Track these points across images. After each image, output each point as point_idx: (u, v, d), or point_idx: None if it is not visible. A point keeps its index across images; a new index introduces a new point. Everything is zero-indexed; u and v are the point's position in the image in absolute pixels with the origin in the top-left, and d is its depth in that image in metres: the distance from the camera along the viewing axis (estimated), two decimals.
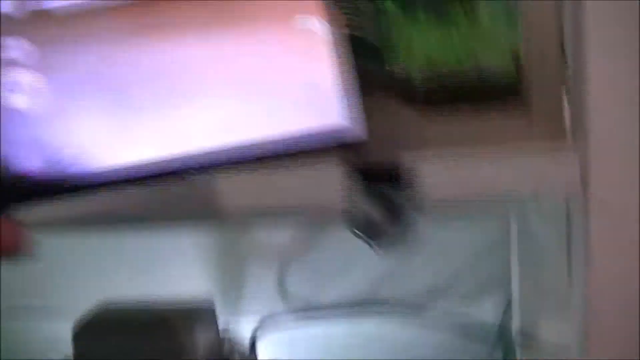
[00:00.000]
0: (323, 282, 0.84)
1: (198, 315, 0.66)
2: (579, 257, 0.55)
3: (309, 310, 0.84)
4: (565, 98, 0.54)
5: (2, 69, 0.34)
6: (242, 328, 0.82)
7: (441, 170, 0.49)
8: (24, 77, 0.34)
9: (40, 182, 0.34)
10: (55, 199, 0.35)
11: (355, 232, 0.36)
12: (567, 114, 0.54)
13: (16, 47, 0.34)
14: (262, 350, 0.81)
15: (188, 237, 0.85)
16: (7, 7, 0.34)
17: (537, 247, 0.71)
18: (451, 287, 0.83)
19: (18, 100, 0.34)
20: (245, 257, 0.86)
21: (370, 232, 0.36)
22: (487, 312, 0.81)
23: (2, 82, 0.34)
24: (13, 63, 0.34)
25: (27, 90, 0.34)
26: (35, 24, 0.35)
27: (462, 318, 0.80)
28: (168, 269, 0.85)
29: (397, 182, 0.35)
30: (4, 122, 0.34)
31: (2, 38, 0.34)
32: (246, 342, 0.79)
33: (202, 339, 0.64)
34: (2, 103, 0.34)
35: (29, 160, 0.34)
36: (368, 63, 0.38)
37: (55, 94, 0.35)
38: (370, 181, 0.35)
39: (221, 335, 0.70)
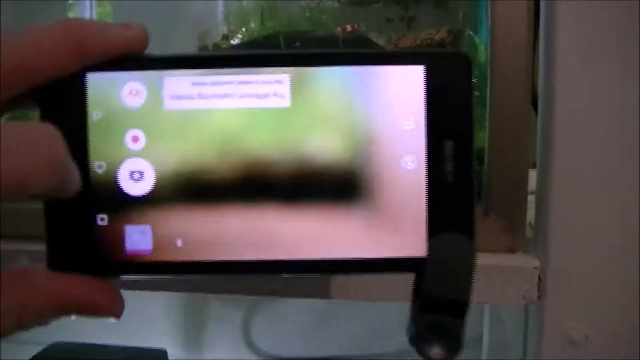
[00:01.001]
0: (289, 335, 0.84)
1: None
2: None
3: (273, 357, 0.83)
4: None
5: None
6: None
7: None
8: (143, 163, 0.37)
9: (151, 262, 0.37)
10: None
11: (416, 350, 0.37)
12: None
13: None
14: None
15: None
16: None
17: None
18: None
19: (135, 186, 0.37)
20: (210, 306, 0.86)
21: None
22: None
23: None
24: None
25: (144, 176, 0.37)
26: None
27: None
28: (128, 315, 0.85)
29: (460, 313, 0.36)
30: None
31: None
32: None
33: None
34: None
35: (144, 240, 0.36)
36: None
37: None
38: (435, 311, 0.36)
39: None
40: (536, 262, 0.53)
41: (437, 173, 0.35)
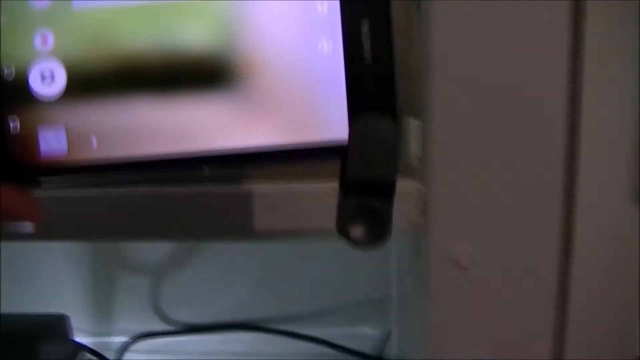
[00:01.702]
0: (197, 301, 0.83)
1: (50, 331, 0.64)
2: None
3: (182, 329, 0.82)
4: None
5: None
6: (112, 344, 0.81)
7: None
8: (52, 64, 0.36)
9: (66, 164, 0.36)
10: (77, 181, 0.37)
11: (342, 238, 0.37)
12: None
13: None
14: None
15: (62, 252, 0.82)
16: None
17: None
18: (332, 312, 0.82)
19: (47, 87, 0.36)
20: (120, 273, 0.84)
21: (355, 240, 0.37)
22: (366, 341, 0.81)
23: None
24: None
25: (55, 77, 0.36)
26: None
27: (342, 344, 0.79)
28: (38, 283, 0.82)
29: (387, 195, 0.36)
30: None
31: None
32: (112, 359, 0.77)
33: (52, 354, 0.63)
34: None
35: (58, 142, 0.36)
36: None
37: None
38: (360, 194, 0.36)
39: (77, 351, 0.69)
40: (420, 187, 0.53)
41: (355, 54, 0.35)
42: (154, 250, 0.82)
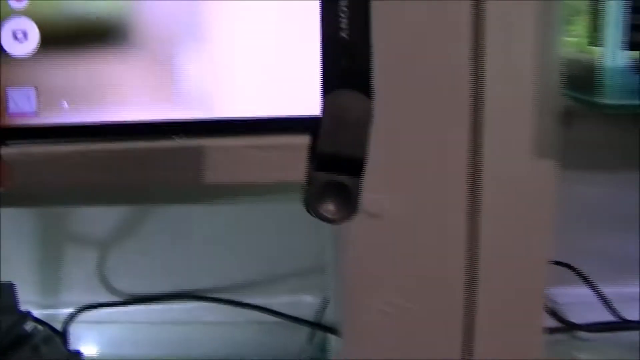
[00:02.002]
0: (142, 271, 0.83)
1: None
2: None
3: (127, 300, 0.82)
4: None
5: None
6: (59, 316, 0.80)
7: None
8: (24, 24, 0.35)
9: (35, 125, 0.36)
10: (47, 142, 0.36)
11: (311, 212, 0.37)
12: None
13: None
14: (77, 339, 0.78)
15: (7, 223, 0.81)
16: None
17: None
18: (271, 280, 0.83)
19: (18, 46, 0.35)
20: (66, 245, 0.83)
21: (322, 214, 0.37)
22: (306, 307, 0.81)
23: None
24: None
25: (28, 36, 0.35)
26: None
27: (281, 311, 0.80)
28: None
29: (356, 171, 0.36)
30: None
31: None
32: (59, 329, 0.76)
33: None
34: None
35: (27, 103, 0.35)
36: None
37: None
38: (330, 169, 0.36)
39: (24, 319, 0.68)
40: None
41: (332, 29, 0.35)
42: (100, 221, 0.82)
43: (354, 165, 0.36)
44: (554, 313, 0.77)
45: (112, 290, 0.83)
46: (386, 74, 0.51)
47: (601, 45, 0.61)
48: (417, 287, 0.55)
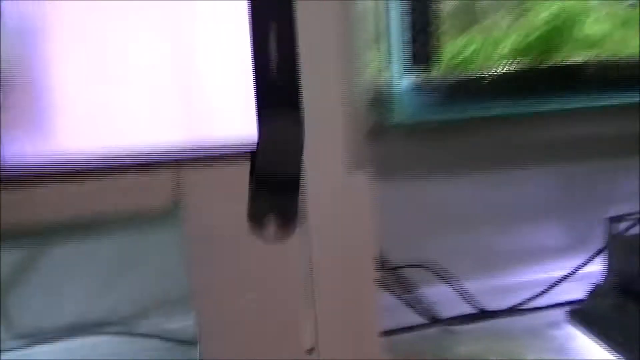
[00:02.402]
0: (43, 305, 0.83)
1: None
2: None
3: (28, 335, 0.82)
4: None
5: None
6: None
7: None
8: None
9: None
10: None
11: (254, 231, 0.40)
12: None
13: None
14: None
15: None
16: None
17: None
18: (159, 304, 0.85)
19: None
20: None
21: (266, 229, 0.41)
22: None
23: None
24: None
25: None
26: None
27: (167, 333, 0.83)
28: None
29: (293, 188, 0.40)
30: None
31: None
32: None
33: None
34: None
35: None
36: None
37: None
38: (269, 189, 0.40)
39: None
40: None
41: (263, 58, 0.39)
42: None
43: (290, 183, 0.40)
44: (423, 311, 0.84)
45: (11, 329, 0.82)
46: None
47: (390, 70, 0.69)
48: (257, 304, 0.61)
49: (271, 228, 0.41)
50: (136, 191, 0.56)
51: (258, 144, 0.39)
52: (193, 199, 0.58)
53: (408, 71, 0.70)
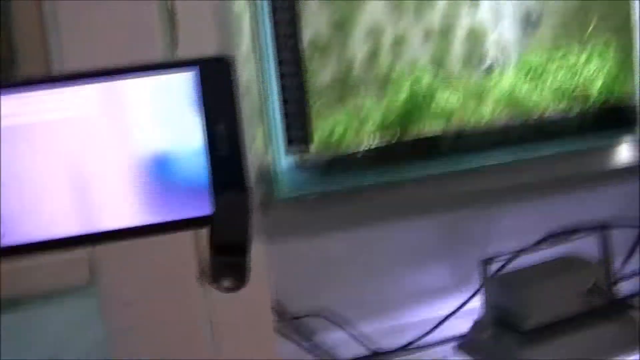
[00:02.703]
0: None
1: None
2: None
3: None
4: None
5: None
6: None
7: None
8: None
9: None
10: None
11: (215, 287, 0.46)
12: None
13: None
14: None
15: None
16: None
17: None
18: None
19: None
20: None
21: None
22: None
23: None
24: None
25: None
26: None
27: None
28: None
29: (243, 252, 0.46)
30: None
31: None
32: None
33: None
34: None
35: None
36: None
37: None
38: (225, 253, 0.46)
39: None
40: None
41: (214, 148, 0.46)
42: None
43: (241, 248, 0.47)
44: (321, 356, 0.92)
45: None
46: None
47: (272, 150, 0.78)
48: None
49: (227, 283, 0.47)
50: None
51: (213, 218, 0.46)
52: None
53: (287, 152, 0.78)
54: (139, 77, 0.44)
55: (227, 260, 0.46)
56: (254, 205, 0.48)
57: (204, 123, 0.45)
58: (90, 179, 0.44)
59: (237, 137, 0.46)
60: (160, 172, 0.46)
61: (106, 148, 0.44)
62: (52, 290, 0.70)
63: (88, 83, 0.43)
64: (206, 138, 0.46)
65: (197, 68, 0.45)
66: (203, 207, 0.46)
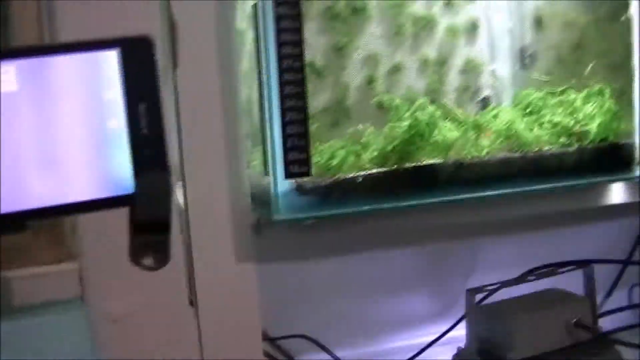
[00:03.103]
0: None
1: None
2: None
3: None
4: None
5: None
6: None
7: None
8: None
9: None
10: None
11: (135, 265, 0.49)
12: None
13: None
14: None
15: None
16: None
17: None
18: None
19: None
20: None
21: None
22: None
23: None
24: None
25: None
26: None
27: None
28: None
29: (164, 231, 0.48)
30: None
31: None
32: None
33: None
34: None
35: None
36: None
37: None
38: (146, 232, 0.48)
39: None
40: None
41: (135, 128, 0.47)
42: None
43: (162, 227, 0.49)
44: None
45: None
46: None
47: (271, 174, 0.79)
48: None
49: (148, 260, 0.49)
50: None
51: (135, 197, 0.48)
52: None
53: (287, 177, 0.80)
54: (61, 55, 0.46)
55: (149, 239, 0.48)
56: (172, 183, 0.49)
57: (126, 102, 0.47)
58: (12, 157, 0.46)
59: (158, 117, 0.48)
60: (82, 150, 0.47)
61: (27, 126, 0.46)
62: (40, 303, 0.72)
63: (10, 60, 0.45)
64: (128, 117, 0.48)
65: (118, 48, 0.47)
66: (125, 186, 0.48)
